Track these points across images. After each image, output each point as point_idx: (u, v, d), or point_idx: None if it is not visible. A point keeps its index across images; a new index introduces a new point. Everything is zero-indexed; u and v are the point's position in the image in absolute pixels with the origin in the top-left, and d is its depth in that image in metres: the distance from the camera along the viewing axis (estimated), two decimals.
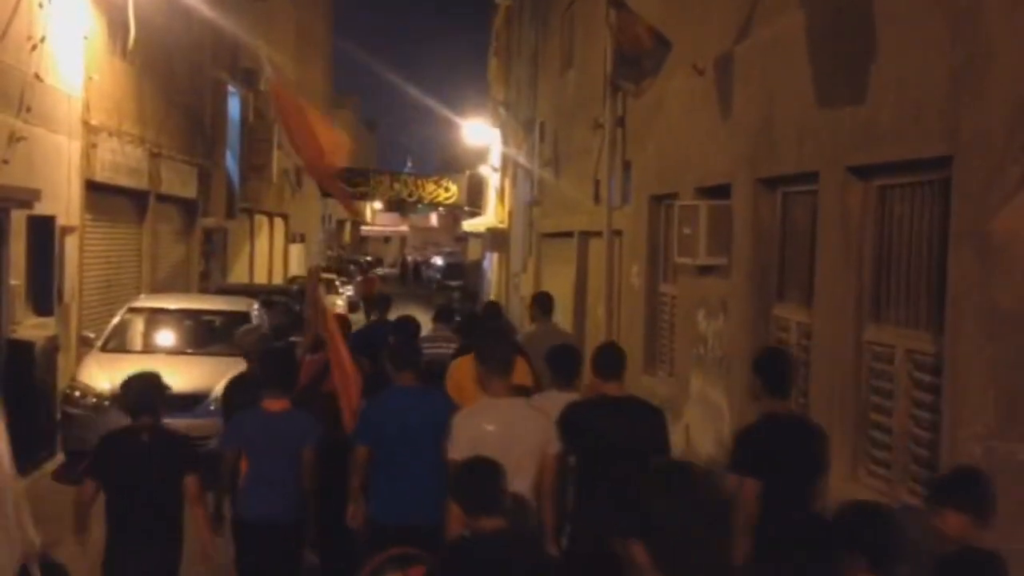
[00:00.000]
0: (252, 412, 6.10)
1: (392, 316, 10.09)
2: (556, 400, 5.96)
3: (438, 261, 63.08)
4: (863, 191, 5.98)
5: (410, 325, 8.53)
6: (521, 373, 6.91)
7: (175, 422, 7.28)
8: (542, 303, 9.48)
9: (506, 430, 5.21)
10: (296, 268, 32.14)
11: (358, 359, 7.38)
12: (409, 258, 68.65)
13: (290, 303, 17.02)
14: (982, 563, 3.82)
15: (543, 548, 4.37)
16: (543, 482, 5.32)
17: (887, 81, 5.47)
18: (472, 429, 5.20)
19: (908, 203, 5.63)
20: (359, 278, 37.52)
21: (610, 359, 5.87)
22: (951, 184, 4.90)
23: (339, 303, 26.16)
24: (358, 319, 19.67)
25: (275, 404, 6.00)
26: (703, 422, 8.56)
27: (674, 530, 2.63)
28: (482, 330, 8.13)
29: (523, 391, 6.22)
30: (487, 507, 3.93)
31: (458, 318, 9.89)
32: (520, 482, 5.08)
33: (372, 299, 12.46)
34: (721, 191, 8.22)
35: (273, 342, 8.56)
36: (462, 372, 6.89)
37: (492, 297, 26.03)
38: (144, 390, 5.68)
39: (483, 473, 4.05)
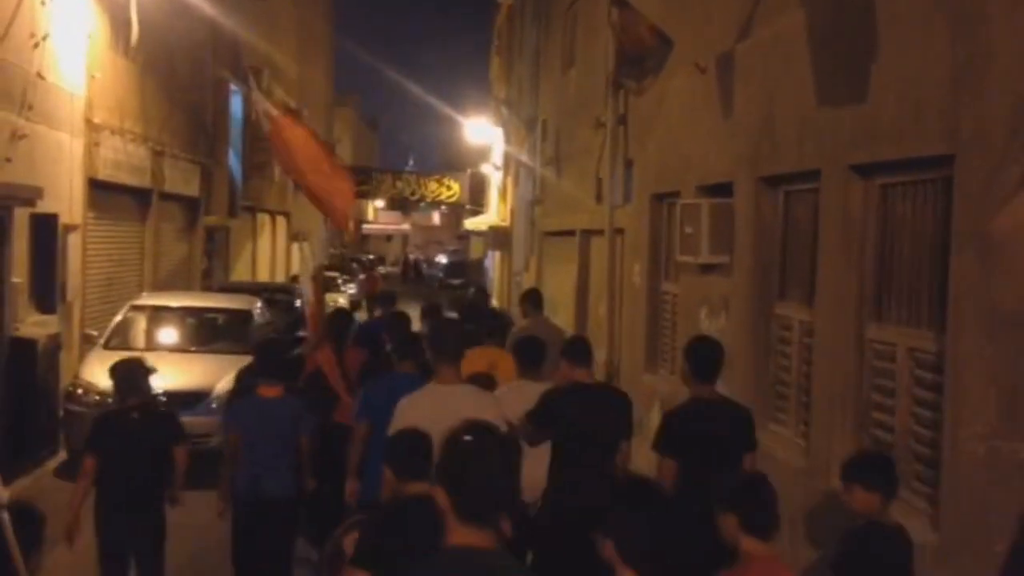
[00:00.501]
0: (248, 398, 6.68)
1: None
2: (524, 390, 6.29)
3: (443, 259, 63.02)
4: (864, 189, 5.99)
5: (403, 321, 8.91)
6: (509, 370, 7.15)
7: None
8: (532, 299, 10.01)
9: (446, 414, 5.18)
10: (298, 267, 32.16)
11: (358, 350, 8.20)
12: (411, 257, 68.65)
13: (292, 301, 17.04)
14: (888, 536, 4.24)
15: None
16: None
17: (888, 80, 5.47)
18: (412, 412, 5.41)
19: (909, 202, 5.63)
20: (361, 276, 37.55)
21: (581, 349, 6.24)
22: (952, 183, 4.91)
23: (341, 301, 26.19)
24: (360, 317, 19.69)
25: (269, 391, 6.50)
26: None
27: (478, 485, 2.85)
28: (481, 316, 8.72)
29: (484, 380, 6.48)
30: (413, 473, 4.37)
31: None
32: None
33: (375, 297, 12.74)
34: (723, 189, 8.23)
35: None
36: (472, 360, 7.18)
37: (495, 298, 26.04)
38: (130, 375, 6.26)
39: (410, 443, 4.51)
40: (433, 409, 5.30)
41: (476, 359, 7.32)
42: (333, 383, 7.60)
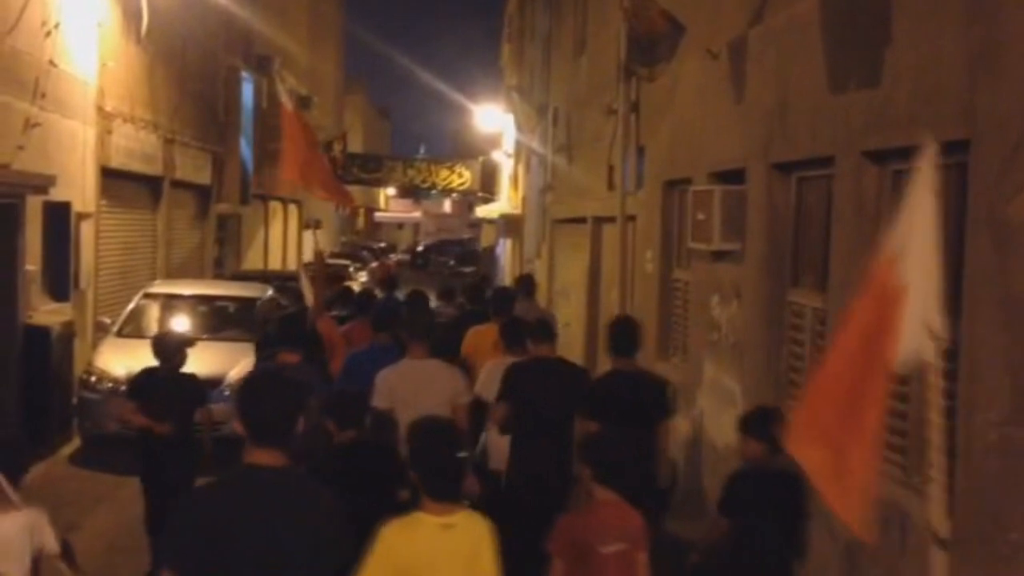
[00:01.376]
0: (271, 365, 7.37)
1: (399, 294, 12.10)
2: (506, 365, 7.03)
3: (420, 248, 63.14)
4: (878, 176, 5.95)
5: (420, 299, 10.41)
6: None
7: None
8: (524, 284, 11.26)
9: (417, 385, 6.40)
10: (310, 255, 32.24)
11: (367, 327, 8.90)
12: (422, 244, 68.65)
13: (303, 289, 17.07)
14: (769, 476, 5.03)
15: (391, 452, 5.58)
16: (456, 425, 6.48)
17: (902, 65, 5.43)
18: (389, 383, 6.41)
19: None
20: (373, 264, 37.63)
21: (544, 328, 7.05)
22: (968, 169, 4.87)
23: (354, 288, 26.21)
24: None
25: (289, 357, 7.20)
26: (716, 408, 8.56)
27: (257, 414, 3.49)
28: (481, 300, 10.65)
29: (461, 360, 7.88)
30: (346, 424, 5.61)
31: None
32: None
33: (387, 282, 13.40)
34: (735, 176, 8.20)
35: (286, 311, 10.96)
36: (477, 337, 8.58)
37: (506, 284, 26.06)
38: (163, 346, 7.50)
39: (346, 400, 5.77)
40: (406, 378, 6.43)
41: (485, 334, 8.42)
42: (331, 340, 8.33)
